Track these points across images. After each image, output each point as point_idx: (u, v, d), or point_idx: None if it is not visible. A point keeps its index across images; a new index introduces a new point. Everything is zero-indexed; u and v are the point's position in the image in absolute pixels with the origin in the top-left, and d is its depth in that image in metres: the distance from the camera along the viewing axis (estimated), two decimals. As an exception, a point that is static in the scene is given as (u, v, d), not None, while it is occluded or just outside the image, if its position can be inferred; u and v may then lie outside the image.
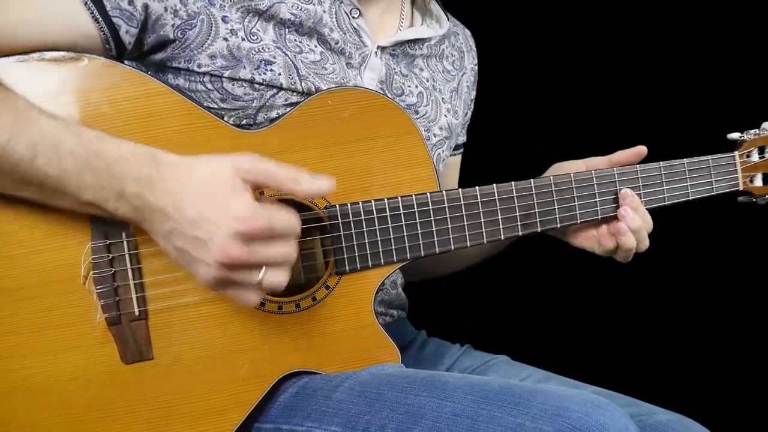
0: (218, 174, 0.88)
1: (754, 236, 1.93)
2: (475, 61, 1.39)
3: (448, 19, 1.27)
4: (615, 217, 1.14)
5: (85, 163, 0.88)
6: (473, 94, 1.39)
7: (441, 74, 1.28)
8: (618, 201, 1.13)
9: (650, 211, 1.15)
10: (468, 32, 1.40)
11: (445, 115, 1.26)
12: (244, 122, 1.08)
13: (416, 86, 1.22)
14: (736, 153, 1.21)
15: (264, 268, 0.88)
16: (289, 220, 0.89)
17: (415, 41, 1.23)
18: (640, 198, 1.14)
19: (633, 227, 1.12)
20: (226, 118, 1.06)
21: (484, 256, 1.37)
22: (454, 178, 1.43)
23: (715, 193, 1.20)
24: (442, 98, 1.27)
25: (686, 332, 2.05)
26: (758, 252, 1.97)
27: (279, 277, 0.89)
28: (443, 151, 1.27)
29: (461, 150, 1.43)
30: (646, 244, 1.14)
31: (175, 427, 1.00)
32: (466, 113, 1.38)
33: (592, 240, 1.17)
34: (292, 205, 0.93)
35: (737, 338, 2.01)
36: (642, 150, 1.17)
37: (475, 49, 1.40)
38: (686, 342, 2.04)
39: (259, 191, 0.98)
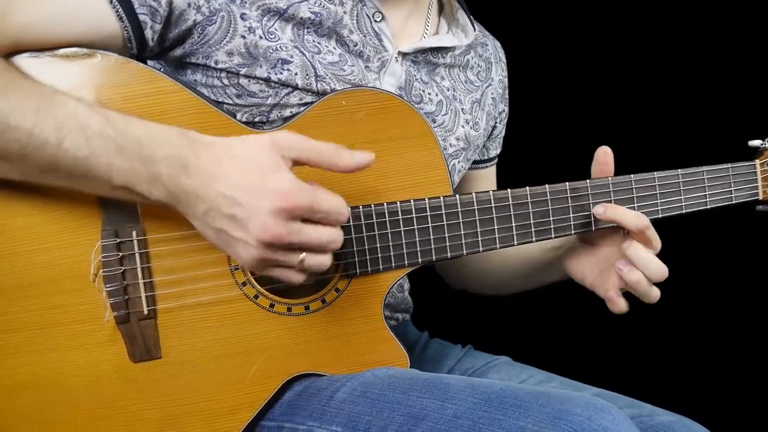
0: (255, 150, 0.86)
1: (753, 237, 1.90)
2: (505, 72, 1.36)
3: (476, 30, 1.24)
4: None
5: (115, 145, 0.86)
6: (501, 106, 1.36)
7: (463, 84, 1.26)
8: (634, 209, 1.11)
9: (666, 219, 1.13)
10: (498, 44, 1.37)
11: (463, 126, 1.24)
12: (257, 119, 1.07)
13: (436, 94, 1.20)
14: (757, 161, 1.19)
15: (302, 254, 0.87)
16: (336, 201, 0.87)
17: (438, 49, 1.20)
18: (657, 206, 1.12)
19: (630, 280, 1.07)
20: (239, 115, 1.06)
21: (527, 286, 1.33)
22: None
23: (734, 202, 1.17)
24: (462, 109, 1.25)
25: (687, 333, 2.04)
26: (758, 253, 1.95)
27: (321, 259, 0.88)
28: (459, 162, 1.25)
29: (495, 160, 1.40)
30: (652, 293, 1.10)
31: (184, 426, 1.00)
32: (494, 126, 1.35)
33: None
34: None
35: (737, 339, 2.00)
36: (606, 150, 1.11)
37: (504, 60, 1.37)
38: (687, 343, 2.03)
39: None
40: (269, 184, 0.84)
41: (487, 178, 1.40)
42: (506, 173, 1.43)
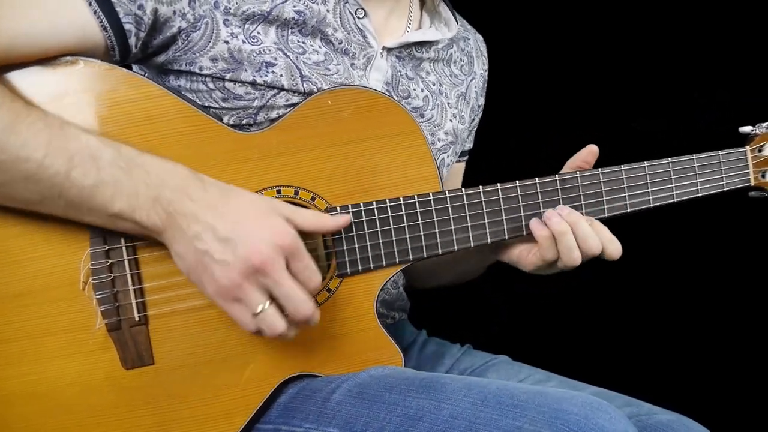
0: (259, 201, 0.92)
1: (753, 236, 1.90)
2: (486, 66, 1.37)
3: (458, 23, 1.24)
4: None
5: (125, 173, 0.88)
6: (481, 100, 1.37)
7: (448, 78, 1.26)
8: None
9: (659, 208, 1.13)
10: (480, 37, 1.38)
11: (451, 120, 1.24)
12: (244, 122, 1.06)
13: (422, 90, 1.20)
14: (748, 148, 1.18)
15: (269, 301, 0.88)
16: (313, 270, 0.91)
17: (422, 44, 1.20)
18: (649, 196, 1.12)
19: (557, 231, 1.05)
20: (226, 118, 1.06)
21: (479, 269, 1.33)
22: (457, 184, 1.40)
23: (725, 189, 1.17)
24: (448, 103, 1.25)
25: (686, 332, 2.03)
26: (758, 252, 1.94)
27: (278, 320, 0.89)
28: (448, 157, 1.25)
29: (466, 157, 1.40)
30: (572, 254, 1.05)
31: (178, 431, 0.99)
32: (473, 119, 1.36)
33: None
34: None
35: (737, 338, 1.99)
36: (593, 148, 1.12)
37: (486, 54, 1.37)
38: (686, 342, 2.02)
39: (276, 190, 1.02)
40: (272, 221, 0.89)
41: (457, 173, 1.40)
42: (481, 164, 1.43)
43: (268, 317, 0.89)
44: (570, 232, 1.04)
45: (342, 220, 0.98)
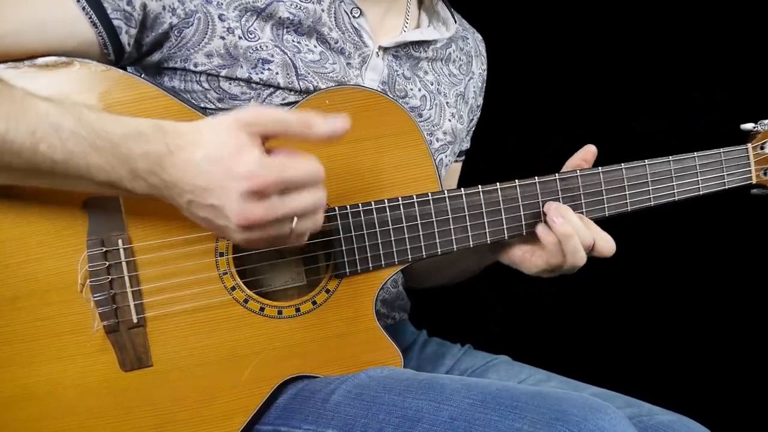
0: (222, 134, 0.83)
1: (753, 236, 1.89)
2: (484, 66, 1.36)
3: (456, 22, 1.23)
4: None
5: (90, 144, 0.84)
6: (480, 100, 1.36)
7: (446, 78, 1.25)
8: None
9: (660, 207, 1.12)
10: (479, 36, 1.36)
11: (449, 120, 1.23)
12: (241, 122, 1.06)
13: (419, 89, 1.19)
14: (749, 145, 1.17)
15: (294, 219, 0.85)
16: (306, 166, 0.84)
17: (420, 43, 1.19)
18: (649, 194, 1.11)
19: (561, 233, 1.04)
20: (222, 119, 1.05)
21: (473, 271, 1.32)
22: (453, 184, 1.38)
23: (727, 187, 1.16)
24: (447, 102, 1.24)
25: (686, 332, 2.03)
26: (758, 251, 1.93)
27: (310, 224, 0.87)
28: (446, 156, 1.24)
29: (463, 157, 1.39)
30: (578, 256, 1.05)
31: (177, 433, 0.99)
32: (472, 119, 1.35)
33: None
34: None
35: (737, 338, 1.99)
36: (592, 148, 1.11)
37: (485, 54, 1.36)
38: (686, 342, 2.02)
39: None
40: (235, 168, 0.82)
41: (454, 173, 1.39)
42: (481, 164, 1.42)
43: (304, 230, 0.87)
44: (576, 235, 1.03)
45: (338, 125, 0.85)
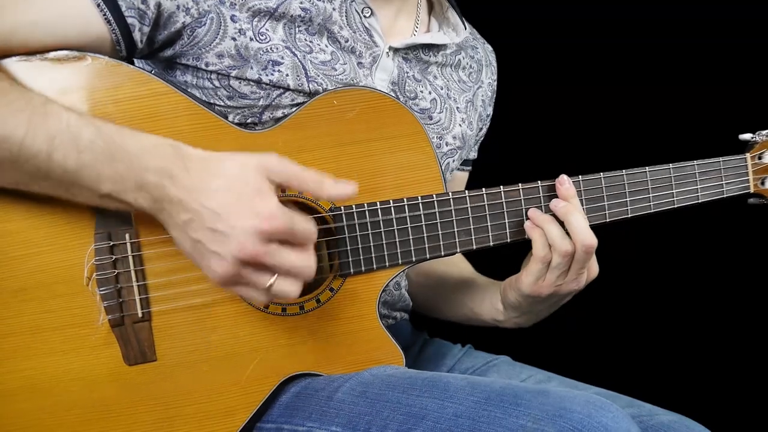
0: (245, 171, 0.86)
1: (753, 237, 1.91)
2: (495, 77, 1.37)
3: (467, 29, 1.24)
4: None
5: (105, 156, 0.86)
6: (489, 110, 1.36)
7: (456, 84, 1.26)
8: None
9: (659, 214, 1.14)
10: (489, 47, 1.37)
11: (460, 125, 1.24)
12: (249, 121, 1.07)
13: (430, 92, 1.21)
14: (748, 155, 1.19)
15: (276, 275, 0.87)
16: (308, 226, 0.87)
17: (430, 47, 1.21)
18: (649, 201, 1.13)
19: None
20: (231, 117, 1.06)
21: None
22: None
23: (725, 195, 1.18)
24: (457, 107, 1.25)
25: (687, 333, 2.04)
26: (758, 252, 1.95)
27: (290, 287, 0.88)
28: (453, 161, 1.26)
29: (470, 167, 1.40)
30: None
31: (180, 428, 0.99)
32: (481, 128, 1.36)
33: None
34: (297, 207, 0.92)
35: (737, 338, 2.00)
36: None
37: (495, 65, 1.37)
38: (687, 342, 2.03)
39: (281, 189, 0.97)
40: (254, 205, 0.85)
41: (460, 183, 1.40)
42: (483, 165, 1.43)
43: (278, 289, 0.88)
44: (553, 222, 1.06)
45: (346, 190, 0.89)
